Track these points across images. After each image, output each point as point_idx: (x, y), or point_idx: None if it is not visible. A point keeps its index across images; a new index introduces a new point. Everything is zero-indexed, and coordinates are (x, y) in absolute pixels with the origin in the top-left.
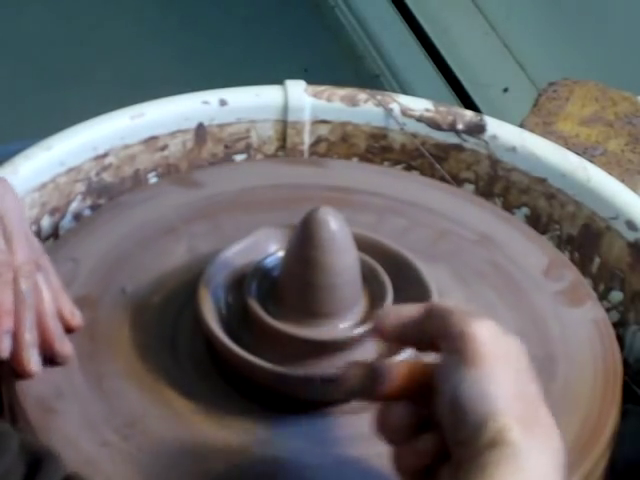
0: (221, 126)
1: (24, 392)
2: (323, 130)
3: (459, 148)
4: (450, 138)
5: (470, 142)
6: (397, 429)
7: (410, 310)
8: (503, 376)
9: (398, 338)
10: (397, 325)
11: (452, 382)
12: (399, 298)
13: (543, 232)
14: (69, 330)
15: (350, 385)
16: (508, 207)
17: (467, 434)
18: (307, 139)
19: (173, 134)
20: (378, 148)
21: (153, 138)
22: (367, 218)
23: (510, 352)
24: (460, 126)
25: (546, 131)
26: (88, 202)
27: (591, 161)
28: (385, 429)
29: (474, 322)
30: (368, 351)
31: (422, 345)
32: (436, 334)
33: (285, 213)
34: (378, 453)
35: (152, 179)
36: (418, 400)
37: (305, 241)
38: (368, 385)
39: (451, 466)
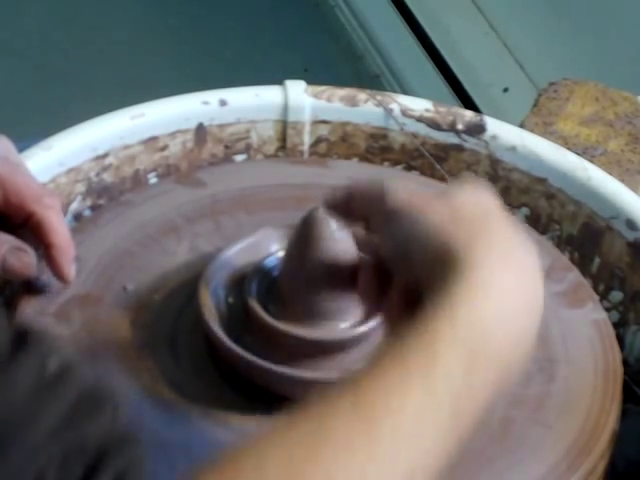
0: (221, 126)
1: None
2: (323, 130)
3: (459, 148)
4: (450, 138)
5: (470, 142)
6: None
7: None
8: (436, 211)
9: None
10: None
11: (393, 237)
12: None
13: (543, 232)
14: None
15: None
16: (508, 207)
17: (421, 270)
18: (307, 139)
19: (173, 134)
20: (378, 148)
21: (153, 138)
22: None
23: (432, 197)
24: (460, 126)
25: (546, 131)
26: (88, 202)
27: (591, 161)
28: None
29: (389, 192)
30: (368, 351)
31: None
32: (366, 214)
33: (287, 213)
34: None
35: (152, 179)
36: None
37: (305, 241)
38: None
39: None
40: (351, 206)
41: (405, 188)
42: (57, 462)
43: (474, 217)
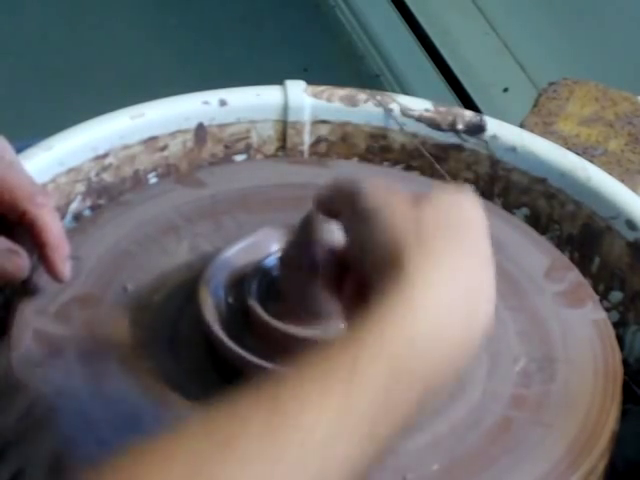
0: (221, 126)
1: None
2: (323, 130)
3: (459, 148)
4: (450, 138)
5: (470, 142)
6: None
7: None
8: (405, 215)
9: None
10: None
11: (355, 233)
12: None
13: (543, 232)
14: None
15: None
16: (508, 207)
17: (370, 270)
18: (307, 139)
19: (173, 134)
20: (378, 148)
21: (153, 138)
22: None
23: (407, 200)
24: (460, 126)
25: (546, 131)
26: (88, 202)
27: (591, 161)
28: None
29: (362, 191)
30: None
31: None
32: (340, 211)
33: (287, 213)
34: None
35: (152, 179)
36: None
37: (304, 240)
38: None
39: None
40: (332, 204)
41: (384, 187)
42: None
43: (439, 227)
